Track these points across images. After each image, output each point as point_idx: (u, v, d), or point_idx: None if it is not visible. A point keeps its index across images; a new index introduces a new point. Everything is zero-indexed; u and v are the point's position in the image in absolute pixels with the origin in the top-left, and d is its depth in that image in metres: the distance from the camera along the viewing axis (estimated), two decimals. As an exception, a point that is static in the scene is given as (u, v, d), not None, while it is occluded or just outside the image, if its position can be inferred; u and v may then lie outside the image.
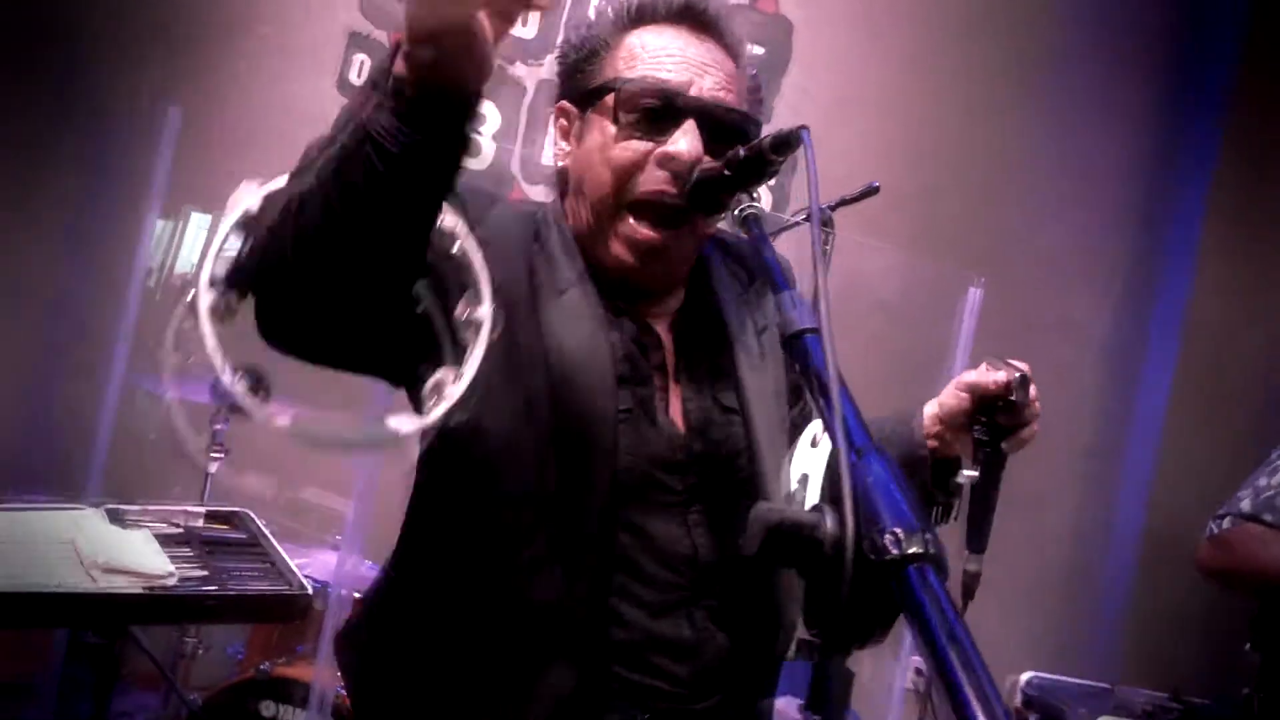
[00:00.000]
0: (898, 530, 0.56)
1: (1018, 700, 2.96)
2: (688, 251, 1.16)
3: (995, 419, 1.11)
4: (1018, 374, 1.11)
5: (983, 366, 1.15)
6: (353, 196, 0.83)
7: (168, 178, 2.88)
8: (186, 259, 3.45)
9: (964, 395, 1.14)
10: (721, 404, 1.17)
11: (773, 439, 1.16)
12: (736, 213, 0.98)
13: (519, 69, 3.65)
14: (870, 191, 2.30)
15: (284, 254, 0.86)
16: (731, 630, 1.12)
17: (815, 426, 1.33)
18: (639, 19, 1.14)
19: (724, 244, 1.27)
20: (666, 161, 1.08)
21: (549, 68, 3.66)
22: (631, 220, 1.10)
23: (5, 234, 3.20)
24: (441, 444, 1.04)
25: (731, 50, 1.15)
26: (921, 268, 3.18)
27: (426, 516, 1.16)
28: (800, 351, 0.75)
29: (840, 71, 3.70)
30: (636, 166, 1.09)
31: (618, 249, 1.12)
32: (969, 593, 1.27)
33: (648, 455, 1.10)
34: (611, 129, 1.10)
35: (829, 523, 0.58)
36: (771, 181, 1.03)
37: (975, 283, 2.86)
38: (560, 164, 1.18)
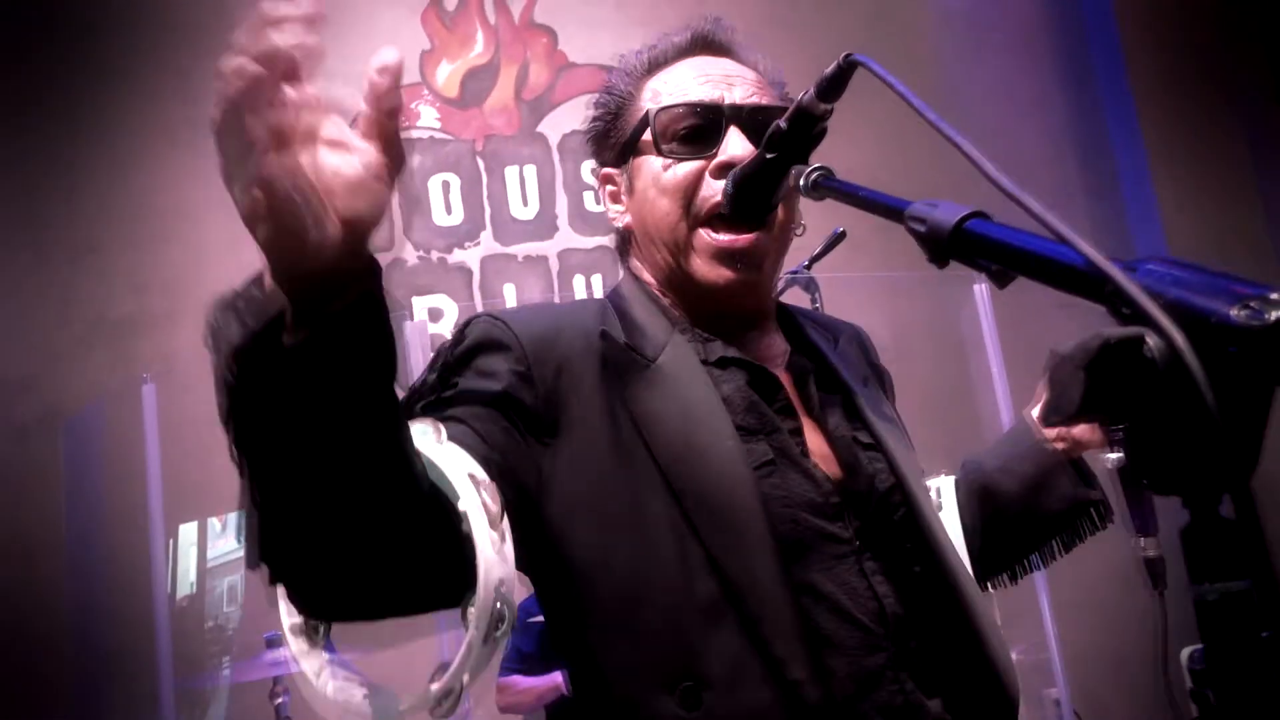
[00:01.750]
0: (1249, 303, 0.45)
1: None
2: (773, 255, 1.08)
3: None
4: None
5: None
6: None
7: (159, 471, 2.80)
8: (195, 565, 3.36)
9: None
10: (860, 441, 1.07)
11: (914, 475, 1.08)
12: (803, 183, 0.90)
13: (457, 255, 3.66)
14: (838, 239, 2.28)
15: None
16: (945, 694, 0.98)
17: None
18: (654, 67, 1.13)
19: (801, 311, 1.22)
20: (724, 171, 1.02)
21: (485, 245, 3.68)
22: (707, 233, 1.04)
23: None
24: (566, 585, 0.98)
25: (751, 64, 1.13)
26: (917, 285, 3.14)
27: (575, 647, 1.01)
28: (977, 239, 0.66)
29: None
30: (694, 185, 1.05)
31: (703, 268, 1.05)
32: (1159, 580, 1.16)
33: (804, 503, 0.98)
34: (658, 161, 1.07)
35: (1150, 338, 0.47)
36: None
37: (976, 279, 2.81)
38: (619, 226, 1.15)
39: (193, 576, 3.37)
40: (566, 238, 3.66)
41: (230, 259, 3.46)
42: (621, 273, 1.16)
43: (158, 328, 3.32)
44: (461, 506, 0.82)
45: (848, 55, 0.83)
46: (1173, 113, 3.93)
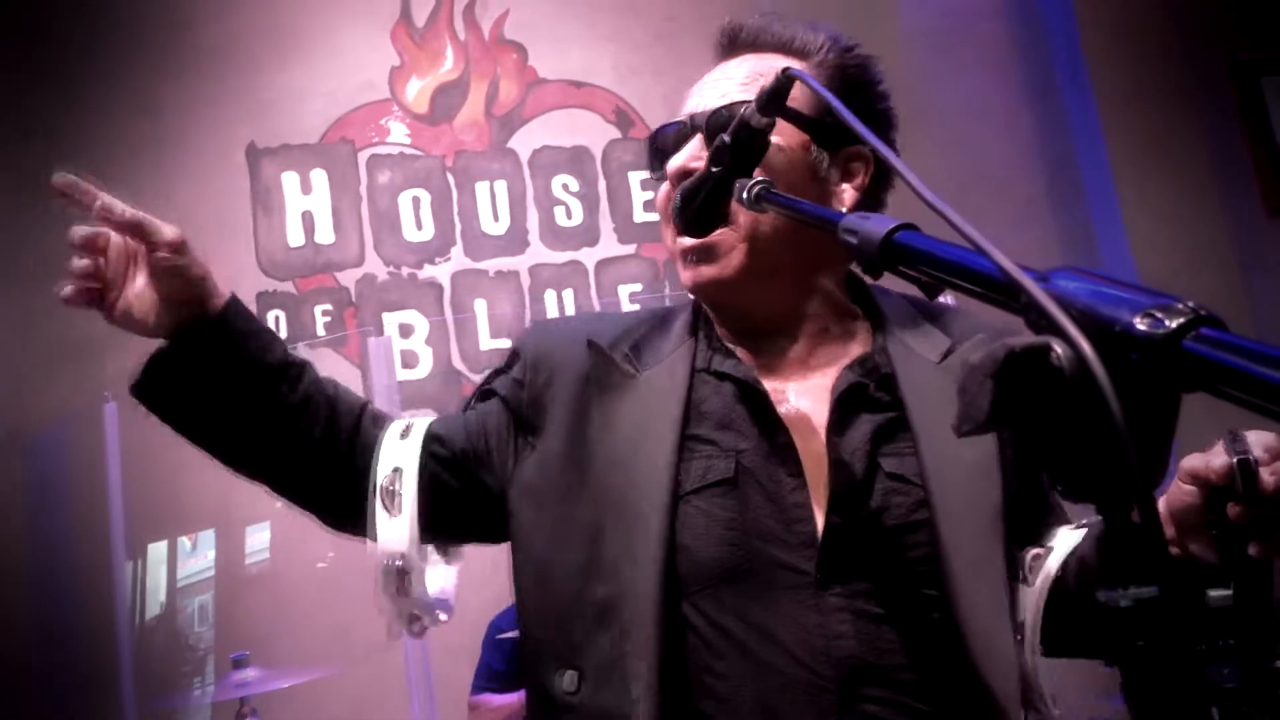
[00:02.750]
0: (1152, 311, 0.46)
1: None
2: (743, 252, 1.05)
3: (1227, 516, 0.85)
4: (1238, 458, 0.84)
5: (1218, 446, 0.87)
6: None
7: (120, 491, 2.76)
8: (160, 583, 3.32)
9: (1191, 488, 0.87)
10: (885, 470, 1.00)
11: (967, 519, 0.98)
12: (746, 195, 0.90)
13: (428, 270, 3.64)
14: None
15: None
16: None
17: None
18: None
19: (919, 306, 1.15)
20: (677, 179, 1.07)
21: (456, 261, 3.67)
22: (677, 240, 1.09)
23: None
24: (514, 564, 1.11)
25: (773, 48, 1.11)
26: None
27: (520, 620, 1.13)
28: (903, 251, 0.66)
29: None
30: (669, 200, 1.09)
31: (682, 273, 1.10)
32: None
33: (756, 528, 0.96)
34: (662, 187, 1.12)
35: (1057, 346, 0.48)
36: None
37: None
38: None
39: (162, 596, 3.33)
40: (538, 253, 3.65)
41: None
42: None
43: (121, 347, 3.28)
44: (371, 495, 1.08)
45: (785, 70, 0.84)
46: (1136, 127, 3.97)
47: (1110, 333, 0.47)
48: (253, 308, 3.46)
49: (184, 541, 3.35)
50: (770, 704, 0.92)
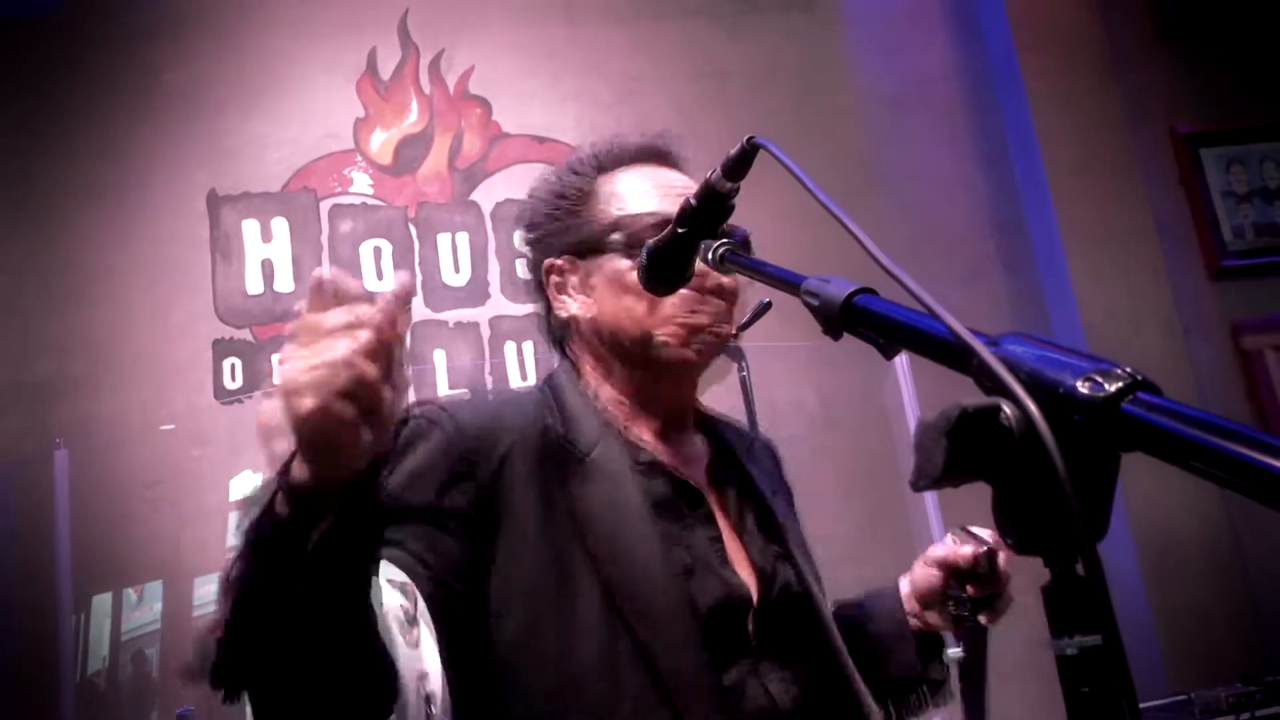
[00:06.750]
0: (1093, 376, 0.49)
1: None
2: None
3: (967, 592, 1.14)
4: (984, 548, 1.13)
5: (948, 539, 1.17)
6: (262, 595, 0.75)
7: (69, 541, 2.71)
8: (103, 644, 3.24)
9: (934, 572, 1.17)
10: (775, 549, 1.14)
11: (817, 584, 1.15)
12: (711, 256, 0.94)
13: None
14: (763, 309, 2.33)
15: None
16: None
17: None
18: (604, 168, 1.19)
19: (719, 416, 1.29)
20: (718, 291, 1.13)
21: (416, 311, 3.68)
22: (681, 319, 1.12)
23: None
24: (489, 679, 0.98)
25: (688, 174, 1.21)
26: (841, 357, 3.21)
27: None
28: (862, 313, 0.70)
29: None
30: None
31: (675, 352, 1.11)
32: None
33: (713, 610, 1.02)
34: (626, 263, 1.12)
35: (1007, 407, 0.51)
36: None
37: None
38: (565, 315, 1.18)
39: (105, 650, 3.25)
40: (498, 304, 3.68)
41: (154, 322, 3.43)
42: (558, 361, 1.20)
43: (76, 391, 3.25)
44: (380, 614, 0.83)
45: (750, 138, 0.88)
46: (1083, 194, 4.11)
47: (1055, 395, 0.51)
48: (209, 354, 3.47)
49: (129, 593, 3.28)
50: None
